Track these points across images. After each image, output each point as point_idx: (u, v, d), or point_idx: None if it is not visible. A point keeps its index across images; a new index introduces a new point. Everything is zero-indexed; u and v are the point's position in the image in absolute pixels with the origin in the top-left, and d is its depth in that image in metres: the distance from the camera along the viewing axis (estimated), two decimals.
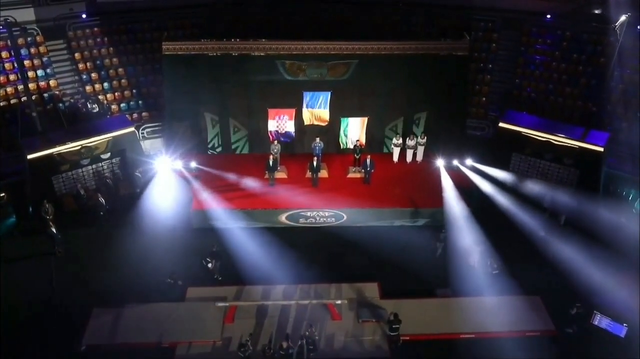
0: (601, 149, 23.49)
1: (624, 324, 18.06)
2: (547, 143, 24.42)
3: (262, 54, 24.24)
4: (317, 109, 25.72)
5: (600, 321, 18.43)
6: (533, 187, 24.11)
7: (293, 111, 25.71)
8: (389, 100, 25.92)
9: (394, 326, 17.97)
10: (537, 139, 24.61)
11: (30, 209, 23.37)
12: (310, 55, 24.29)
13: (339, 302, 19.25)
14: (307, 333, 17.50)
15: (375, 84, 25.44)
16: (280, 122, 25.89)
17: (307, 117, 25.96)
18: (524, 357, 17.78)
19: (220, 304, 19.06)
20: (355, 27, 29.99)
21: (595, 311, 18.50)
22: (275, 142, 25.27)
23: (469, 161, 24.87)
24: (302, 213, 23.20)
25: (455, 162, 24.77)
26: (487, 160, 25.16)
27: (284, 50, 24.14)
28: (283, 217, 23.25)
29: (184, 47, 24.05)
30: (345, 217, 23.34)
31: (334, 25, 30.13)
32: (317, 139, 24.93)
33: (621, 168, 25.03)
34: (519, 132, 24.87)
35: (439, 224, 23.04)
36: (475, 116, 28.57)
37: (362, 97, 25.73)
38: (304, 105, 25.58)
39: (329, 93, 25.30)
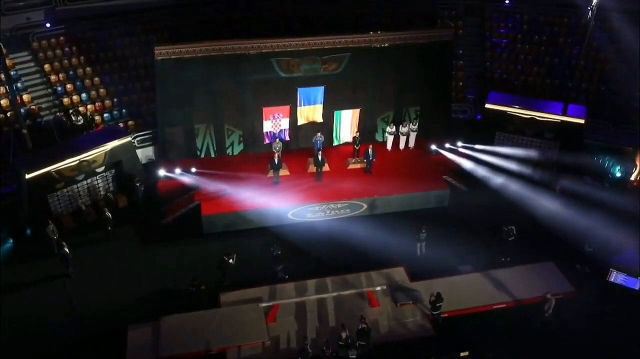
0: (582, 122, 25.39)
1: (639, 277, 19.64)
2: (531, 120, 26.04)
3: (257, 52, 24.05)
4: (311, 105, 25.93)
5: (617, 277, 19.92)
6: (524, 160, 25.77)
7: (288, 108, 25.78)
8: (380, 90, 26.51)
9: (437, 305, 18.68)
10: (521, 117, 26.18)
11: (29, 231, 22.08)
12: (306, 51, 24.38)
13: (378, 288, 19.70)
14: (362, 321, 17.77)
15: (367, 75, 25.92)
16: (275, 121, 25.89)
17: (302, 113, 26.09)
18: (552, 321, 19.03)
19: (264, 304, 18.98)
20: (323, 23, 30.21)
21: (611, 269, 19.97)
22: (277, 140, 25.18)
23: (460, 143, 26.19)
24: (315, 207, 23.37)
25: (448, 145, 26.03)
26: (473, 140, 26.57)
27: (279, 47, 24.07)
28: (293, 214, 23.35)
29: (177, 50, 23.36)
30: (364, 206, 23.73)
31: (302, 21, 30.26)
32: (319, 134, 25.10)
33: (593, 138, 27.01)
34: (505, 112, 26.36)
35: (445, 205, 24.20)
36: (456, 100, 29.76)
37: (355, 89, 26.11)
38: (299, 101, 25.69)
39: (323, 88, 25.56)
